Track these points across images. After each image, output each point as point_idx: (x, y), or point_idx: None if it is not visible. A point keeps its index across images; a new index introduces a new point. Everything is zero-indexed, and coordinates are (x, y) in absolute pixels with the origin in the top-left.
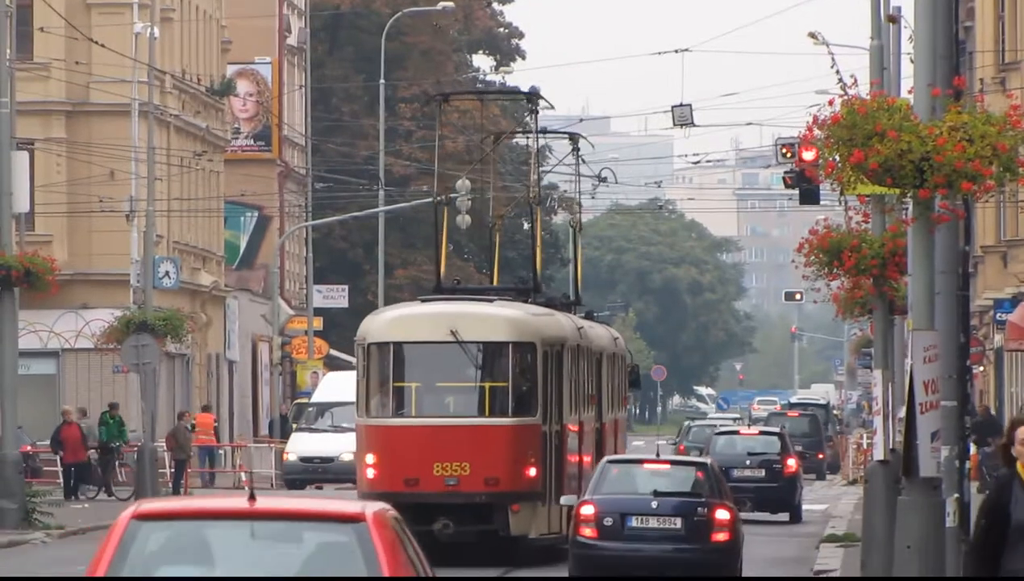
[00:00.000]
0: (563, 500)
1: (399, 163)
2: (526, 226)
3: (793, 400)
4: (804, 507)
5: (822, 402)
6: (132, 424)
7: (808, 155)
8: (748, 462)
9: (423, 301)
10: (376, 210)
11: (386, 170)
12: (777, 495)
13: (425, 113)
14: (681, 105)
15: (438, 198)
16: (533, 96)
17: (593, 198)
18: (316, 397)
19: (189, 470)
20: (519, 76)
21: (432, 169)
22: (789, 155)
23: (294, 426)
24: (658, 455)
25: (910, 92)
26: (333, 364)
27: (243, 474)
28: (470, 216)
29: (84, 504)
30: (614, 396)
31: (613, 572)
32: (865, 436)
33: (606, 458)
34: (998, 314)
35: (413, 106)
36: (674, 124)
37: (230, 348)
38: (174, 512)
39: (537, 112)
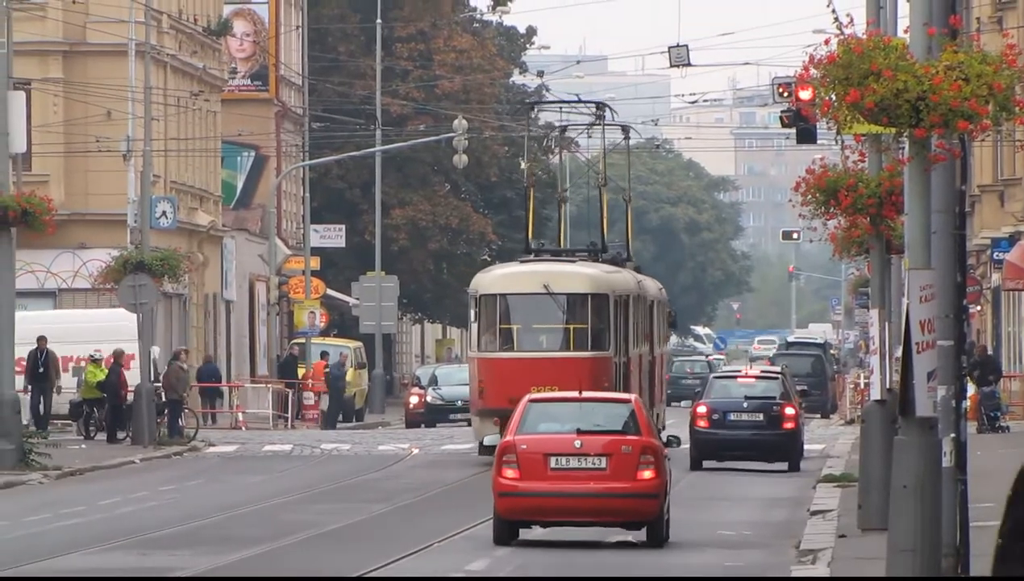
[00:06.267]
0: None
1: (396, 102)
2: (522, 165)
3: (791, 339)
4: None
5: (819, 341)
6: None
7: (804, 94)
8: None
9: (521, 262)
10: (373, 150)
11: (383, 109)
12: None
13: (421, 53)
14: (678, 46)
15: (528, 183)
16: (601, 105)
17: (590, 137)
18: None
19: (190, 409)
20: (516, 16)
21: (429, 108)
22: (786, 94)
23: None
24: (746, 372)
25: (906, 31)
26: (330, 304)
27: (239, 414)
28: (466, 156)
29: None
30: (660, 335)
31: (721, 449)
32: (862, 376)
33: (713, 374)
34: (995, 253)
35: (409, 45)
36: (671, 64)
37: (227, 288)
38: (547, 399)
39: (603, 116)
